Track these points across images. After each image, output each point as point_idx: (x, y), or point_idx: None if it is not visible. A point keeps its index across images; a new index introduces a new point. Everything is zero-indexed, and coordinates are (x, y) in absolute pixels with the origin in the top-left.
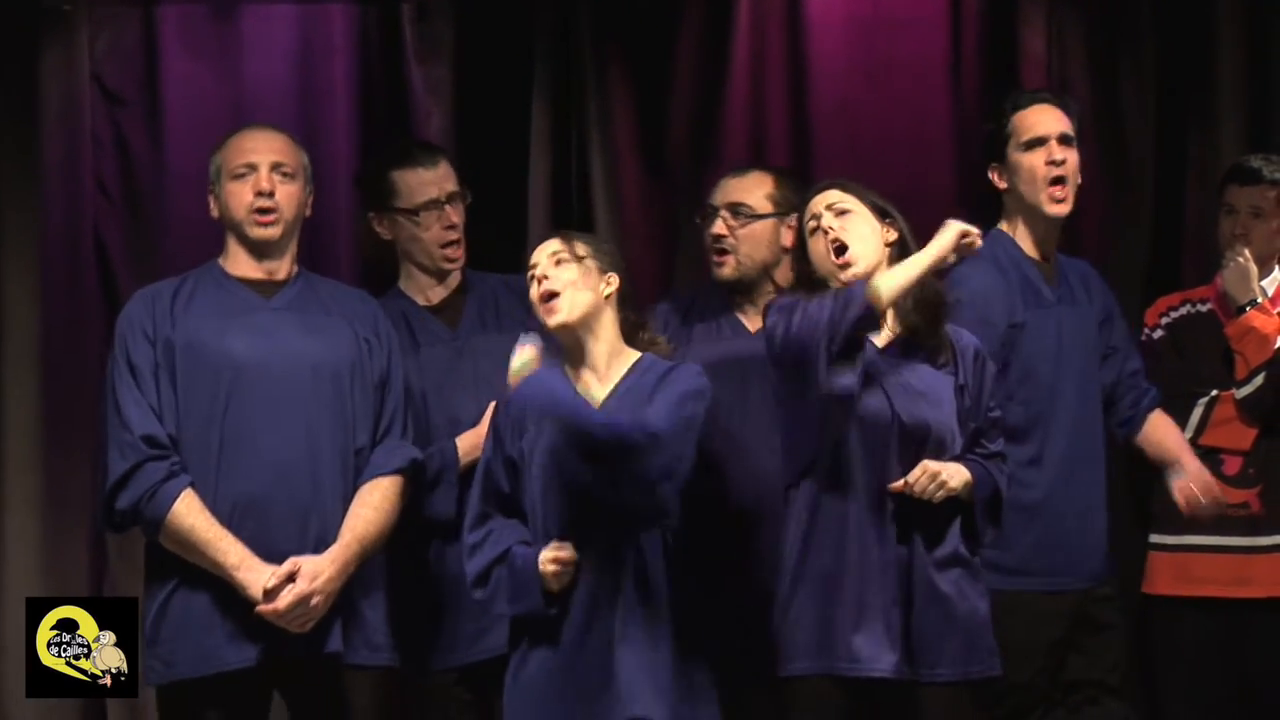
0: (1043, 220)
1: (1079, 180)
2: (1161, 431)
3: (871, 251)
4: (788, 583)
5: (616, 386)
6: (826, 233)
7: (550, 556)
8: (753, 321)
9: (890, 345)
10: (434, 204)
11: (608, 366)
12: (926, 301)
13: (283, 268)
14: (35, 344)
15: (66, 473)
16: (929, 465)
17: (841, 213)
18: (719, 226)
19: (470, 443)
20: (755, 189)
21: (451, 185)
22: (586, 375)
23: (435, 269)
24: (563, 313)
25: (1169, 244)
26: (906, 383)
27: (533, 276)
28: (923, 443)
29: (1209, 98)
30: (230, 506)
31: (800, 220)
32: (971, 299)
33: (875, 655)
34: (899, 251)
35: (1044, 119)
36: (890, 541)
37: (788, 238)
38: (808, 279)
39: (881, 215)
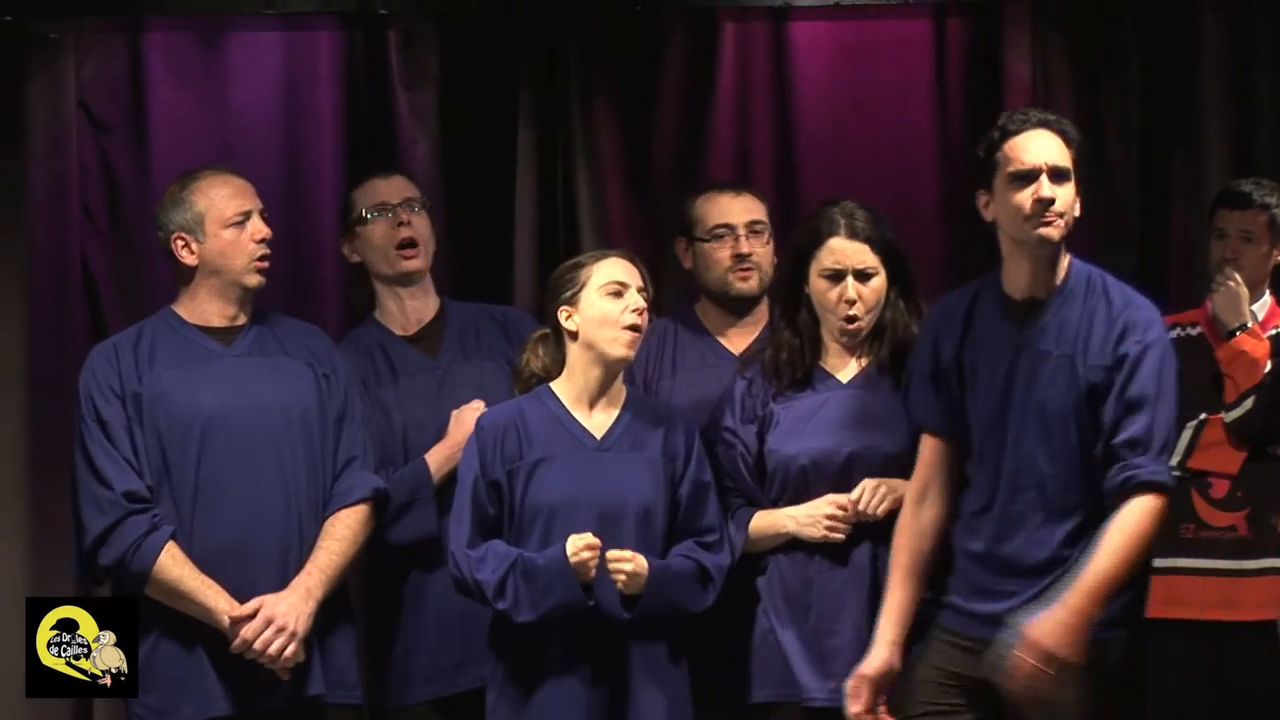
0: (1030, 254)
1: (1076, 214)
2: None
3: (872, 317)
4: (757, 608)
5: (618, 419)
6: (849, 302)
7: (583, 544)
8: (734, 343)
9: (856, 377)
10: (383, 207)
11: (609, 400)
12: (900, 341)
13: (246, 313)
14: (22, 370)
15: (52, 499)
16: (868, 482)
17: (867, 278)
18: (745, 244)
19: (441, 457)
20: (758, 208)
21: (408, 192)
22: (588, 404)
23: (394, 273)
24: (636, 351)
25: (1155, 266)
26: (868, 413)
27: (620, 291)
28: (881, 470)
29: (1194, 120)
30: (209, 556)
31: (811, 239)
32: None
33: (846, 682)
34: (886, 301)
35: (1035, 149)
36: (859, 565)
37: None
38: (791, 320)
39: (894, 276)
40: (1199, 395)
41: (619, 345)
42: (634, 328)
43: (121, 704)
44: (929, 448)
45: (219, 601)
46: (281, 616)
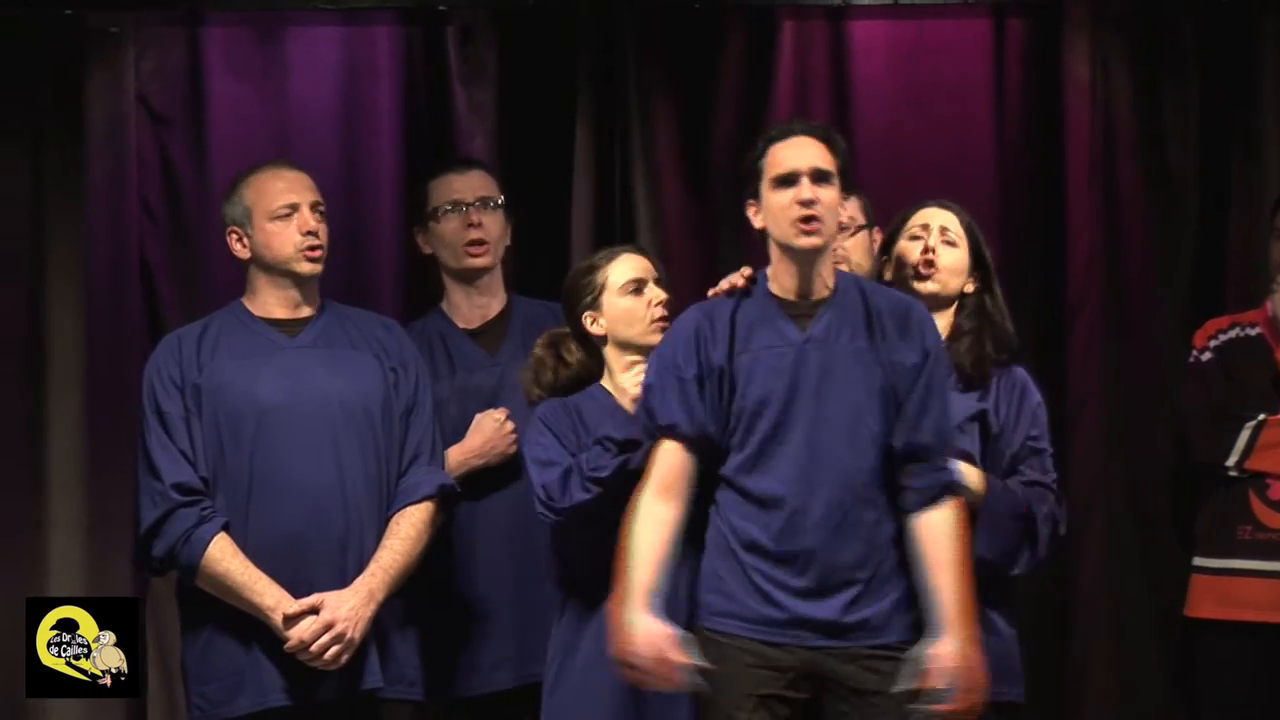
0: (798, 259)
1: (841, 217)
2: (935, 557)
3: (954, 286)
4: None
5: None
6: (927, 250)
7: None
8: None
9: None
10: (456, 205)
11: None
12: (980, 357)
13: (311, 304)
14: (79, 363)
15: (110, 493)
16: None
17: (949, 243)
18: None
19: (453, 462)
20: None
21: (483, 191)
22: (622, 388)
23: (460, 268)
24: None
25: (1213, 268)
26: None
27: (639, 288)
28: None
29: (1253, 121)
30: (265, 548)
31: (900, 220)
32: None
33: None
34: (974, 304)
35: (796, 154)
36: None
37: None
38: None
39: (976, 263)
40: (1257, 396)
41: (651, 335)
42: (662, 317)
43: (181, 697)
44: (675, 452)
45: (266, 597)
46: (342, 622)
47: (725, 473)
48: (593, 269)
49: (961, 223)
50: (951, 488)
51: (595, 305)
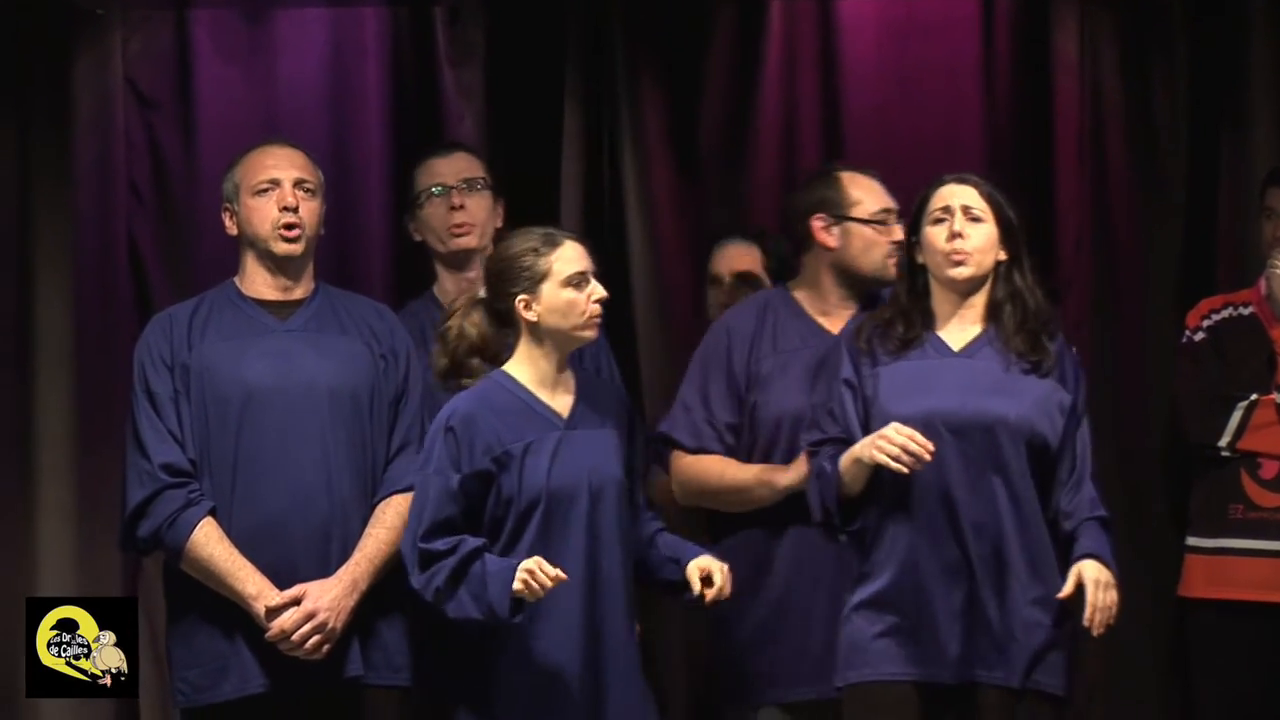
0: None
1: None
2: None
3: (988, 264)
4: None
5: (576, 399)
6: (953, 236)
7: (535, 565)
8: (834, 325)
9: (969, 345)
10: (440, 187)
11: (566, 380)
12: (1029, 329)
13: (301, 286)
14: (68, 347)
15: (99, 477)
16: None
17: (974, 220)
18: (899, 231)
19: None
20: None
21: (466, 172)
22: (550, 387)
23: (446, 251)
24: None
25: (1202, 246)
26: (980, 380)
27: (582, 281)
28: (996, 434)
29: (1241, 100)
30: (249, 532)
31: (921, 204)
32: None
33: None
34: (1005, 271)
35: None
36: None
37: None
38: (909, 268)
39: (1005, 233)
40: (1250, 375)
41: (588, 330)
42: (597, 314)
43: (166, 689)
44: None
45: (249, 585)
46: (324, 612)
47: None
48: (536, 253)
49: (982, 194)
50: None
51: (533, 291)
